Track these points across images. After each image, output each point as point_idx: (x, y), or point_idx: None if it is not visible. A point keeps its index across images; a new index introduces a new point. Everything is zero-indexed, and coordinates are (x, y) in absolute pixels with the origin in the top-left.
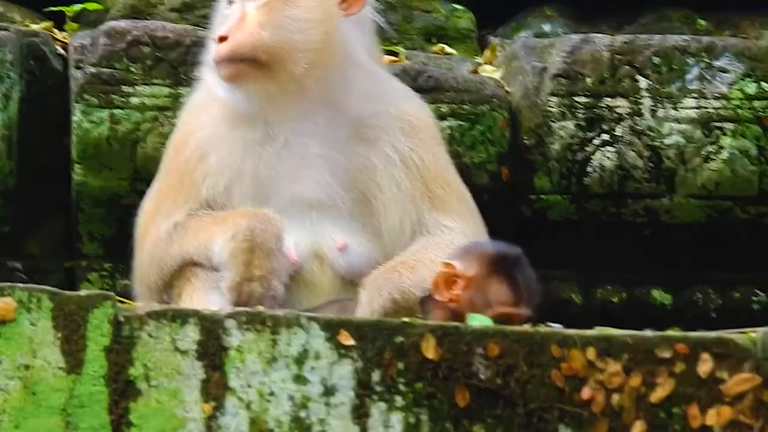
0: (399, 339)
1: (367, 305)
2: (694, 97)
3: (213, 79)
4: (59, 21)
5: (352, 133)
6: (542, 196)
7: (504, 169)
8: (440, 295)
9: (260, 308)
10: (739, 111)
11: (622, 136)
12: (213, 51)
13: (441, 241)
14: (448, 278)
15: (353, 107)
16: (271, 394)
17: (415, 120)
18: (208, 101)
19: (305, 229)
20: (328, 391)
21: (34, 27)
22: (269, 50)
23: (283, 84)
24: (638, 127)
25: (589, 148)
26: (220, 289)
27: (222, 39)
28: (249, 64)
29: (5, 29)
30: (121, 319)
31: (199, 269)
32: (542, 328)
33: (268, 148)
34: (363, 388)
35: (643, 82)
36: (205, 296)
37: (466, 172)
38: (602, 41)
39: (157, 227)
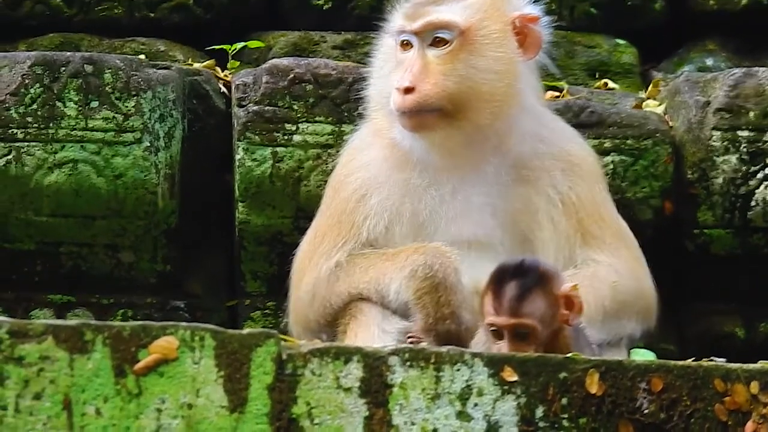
0: (563, 374)
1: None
2: None
3: (391, 125)
4: (221, 59)
5: (515, 175)
6: (705, 231)
7: (667, 204)
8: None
9: (424, 345)
10: None
11: None
12: (396, 101)
13: (583, 274)
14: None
15: (518, 150)
16: (435, 430)
17: (576, 158)
18: (369, 141)
19: (465, 267)
20: (492, 428)
21: (197, 65)
22: (455, 100)
23: (466, 133)
24: None
25: (752, 182)
26: (389, 325)
27: (408, 90)
28: (435, 114)
29: (167, 68)
30: (285, 357)
31: (365, 305)
32: (705, 363)
33: (432, 192)
34: (527, 424)
35: None
36: (371, 332)
37: (629, 208)
38: (765, 75)
39: (317, 267)
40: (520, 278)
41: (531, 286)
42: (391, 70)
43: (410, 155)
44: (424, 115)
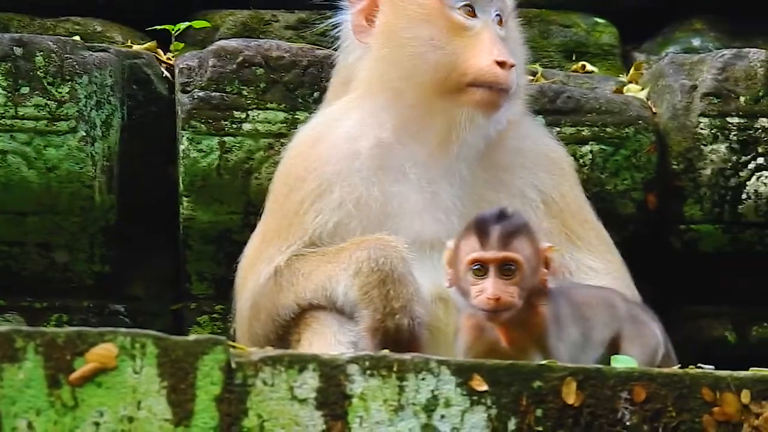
0: (537, 383)
1: None
2: None
3: (416, 97)
4: (164, 41)
5: (491, 177)
6: (693, 226)
7: (651, 197)
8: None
9: (386, 352)
10: None
11: None
12: (497, 74)
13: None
14: (447, 260)
15: (495, 148)
16: None
17: (556, 155)
18: (327, 130)
19: (427, 270)
20: None
21: (137, 48)
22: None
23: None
24: None
25: (743, 173)
26: (346, 332)
27: (504, 64)
28: (507, 97)
29: (105, 50)
30: (234, 365)
31: (320, 313)
32: (692, 370)
33: (411, 177)
34: None
35: None
36: (328, 341)
37: (609, 201)
38: (757, 56)
39: (258, 274)
40: (506, 219)
41: (519, 225)
42: (443, 34)
43: (414, 132)
44: (503, 95)
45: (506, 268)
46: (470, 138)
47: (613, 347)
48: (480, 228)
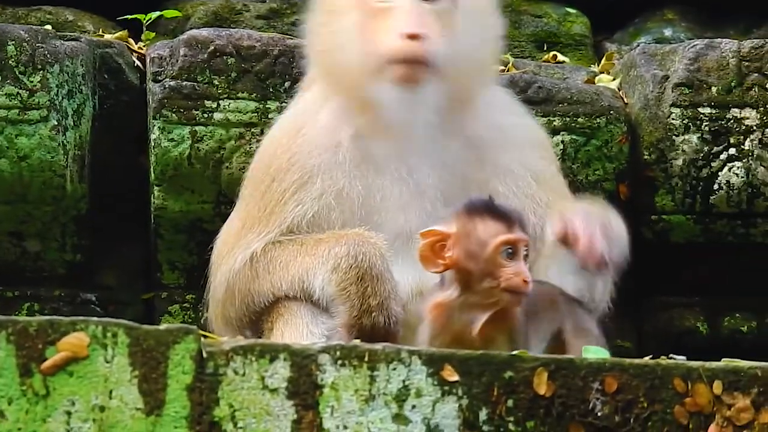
0: (508, 374)
1: None
2: None
3: (353, 85)
4: (135, 30)
5: (475, 157)
6: (664, 217)
7: (622, 188)
8: (434, 266)
9: (357, 342)
10: None
11: (751, 150)
12: (399, 46)
13: None
14: (434, 245)
15: (477, 127)
16: None
17: (541, 135)
18: (307, 120)
19: (409, 265)
20: (431, 431)
21: (108, 37)
22: (450, 60)
23: (447, 98)
24: None
25: (715, 164)
26: (319, 323)
27: (414, 37)
28: (429, 69)
29: (76, 39)
30: (205, 355)
31: (293, 303)
32: (664, 361)
33: (391, 167)
34: (469, 428)
35: None
36: (300, 332)
37: (580, 191)
38: (729, 47)
39: (233, 258)
40: (501, 204)
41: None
42: (361, 20)
43: (373, 123)
44: (420, 67)
45: (526, 251)
46: (416, 116)
47: (556, 340)
48: (495, 211)
